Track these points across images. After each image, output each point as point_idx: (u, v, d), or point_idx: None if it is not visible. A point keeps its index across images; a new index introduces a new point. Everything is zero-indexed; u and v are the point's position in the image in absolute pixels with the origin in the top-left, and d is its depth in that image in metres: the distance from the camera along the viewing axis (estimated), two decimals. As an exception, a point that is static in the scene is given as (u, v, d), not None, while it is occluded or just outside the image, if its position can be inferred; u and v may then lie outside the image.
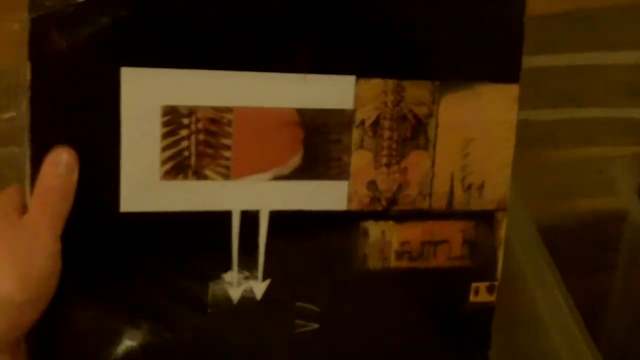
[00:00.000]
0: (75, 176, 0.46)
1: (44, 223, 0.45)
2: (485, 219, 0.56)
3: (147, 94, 0.48)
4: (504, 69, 0.54)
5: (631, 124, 0.76)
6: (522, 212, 0.61)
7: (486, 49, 0.54)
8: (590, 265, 0.67)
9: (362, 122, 0.52)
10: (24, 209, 0.46)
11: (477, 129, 0.54)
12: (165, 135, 0.49)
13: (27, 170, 0.47)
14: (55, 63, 0.47)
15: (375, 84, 0.52)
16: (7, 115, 0.47)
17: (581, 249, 0.68)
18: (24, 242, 0.44)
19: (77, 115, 0.47)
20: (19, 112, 0.45)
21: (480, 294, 0.57)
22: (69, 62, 0.47)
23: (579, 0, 0.68)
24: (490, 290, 0.57)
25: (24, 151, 0.46)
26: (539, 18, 0.53)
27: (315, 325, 0.54)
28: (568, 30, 0.68)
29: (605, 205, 0.76)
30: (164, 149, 0.49)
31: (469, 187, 0.55)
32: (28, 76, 0.46)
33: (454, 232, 0.55)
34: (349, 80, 0.51)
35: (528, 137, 0.56)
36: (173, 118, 0.49)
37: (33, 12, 0.46)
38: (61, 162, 0.46)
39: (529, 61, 0.54)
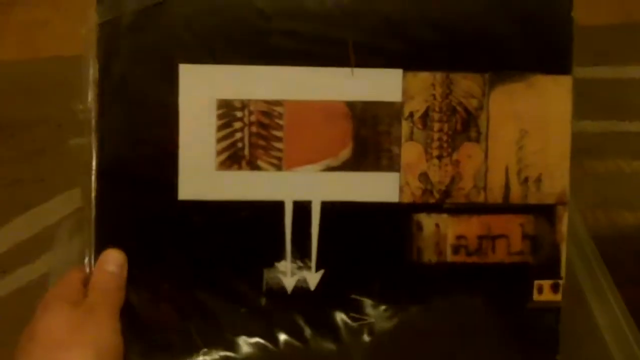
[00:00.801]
0: (125, 271, 0.51)
1: (105, 308, 0.49)
2: (545, 213, 0.55)
3: (203, 88, 0.51)
4: (555, 59, 0.54)
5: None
6: (578, 222, 0.60)
7: (536, 40, 0.54)
8: (632, 277, 0.64)
9: (411, 115, 0.53)
10: (85, 285, 0.50)
11: (531, 121, 0.54)
12: (220, 128, 0.52)
13: (94, 158, 0.51)
14: (119, 62, 0.51)
15: (423, 77, 0.53)
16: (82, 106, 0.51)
17: (622, 260, 0.65)
18: (91, 321, 0.47)
19: (140, 109, 0.51)
20: (85, 105, 0.49)
21: (544, 292, 0.55)
22: (133, 61, 0.51)
23: (626, 12, 0.67)
24: (554, 288, 0.55)
25: (90, 141, 0.50)
26: (587, 29, 0.53)
27: (371, 319, 0.53)
28: (616, 42, 0.67)
29: None
30: (219, 140, 0.52)
31: (526, 180, 0.54)
32: (96, 73, 0.50)
33: (512, 226, 0.54)
34: (396, 74, 0.53)
35: (573, 147, 0.55)
36: (227, 111, 0.52)
37: (101, 16, 0.50)
38: (112, 260, 0.50)
39: (576, 72, 0.54)
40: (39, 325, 0.47)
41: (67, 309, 0.47)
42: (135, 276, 0.51)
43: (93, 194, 0.51)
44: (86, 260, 0.50)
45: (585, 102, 0.55)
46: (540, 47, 0.54)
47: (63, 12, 0.56)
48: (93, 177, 0.51)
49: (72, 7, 0.49)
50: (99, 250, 0.51)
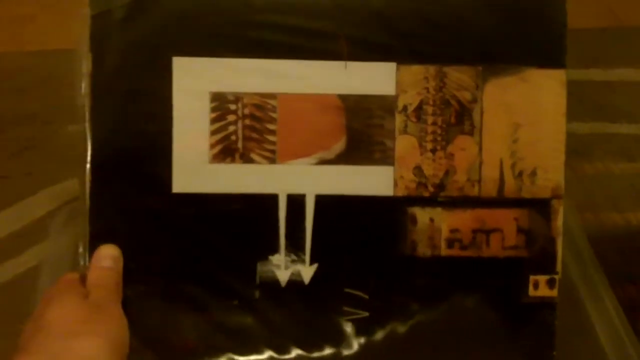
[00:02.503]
0: (121, 266, 0.51)
1: (111, 304, 0.49)
2: (540, 207, 0.54)
3: (196, 81, 0.52)
4: (548, 53, 0.54)
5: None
6: (572, 220, 0.60)
7: (529, 33, 0.54)
8: (619, 277, 0.64)
9: (405, 108, 0.53)
10: (83, 284, 0.50)
11: (525, 115, 0.54)
12: (213, 120, 0.52)
13: (88, 150, 0.51)
14: (113, 54, 0.51)
15: (416, 70, 0.53)
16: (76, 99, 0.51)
17: (610, 260, 0.65)
18: (101, 315, 0.47)
19: (133, 102, 0.51)
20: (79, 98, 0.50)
21: (540, 287, 0.55)
22: (125, 53, 0.51)
23: (616, 17, 0.68)
24: (550, 284, 0.55)
25: (84, 130, 0.50)
26: (578, 32, 0.53)
27: (365, 314, 0.53)
28: (605, 45, 0.68)
29: (636, 219, 0.74)
30: (213, 133, 0.52)
31: (520, 173, 0.54)
32: (89, 66, 0.51)
33: (506, 220, 0.54)
34: (389, 67, 0.53)
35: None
36: (221, 104, 0.52)
37: (94, 9, 0.51)
38: (107, 256, 0.51)
39: (567, 74, 0.54)
40: (49, 316, 0.46)
41: (77, 301, 0.47)
42: (128, 269, 0.51)
43: (87, 186, 0.51)
44: (80, 251, 0.50)
45: (576, 103, 0.55)
46: (533, 41, 0.54)
47: (48, 7, 0.57)
48: (87, 170, 0.51)
49: (57, 3, 0.49)
50: (93, 242, 0.51)
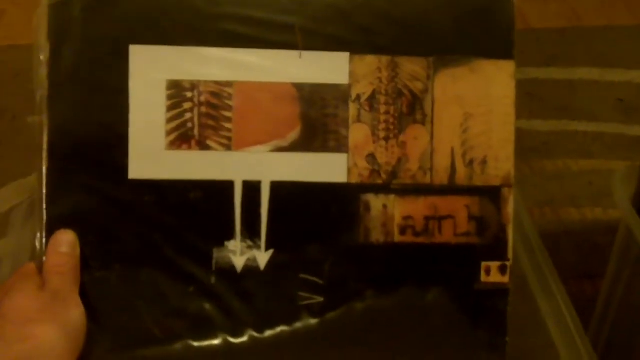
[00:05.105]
0: (78, 251, 0.51)
1: (68, 291, 0.50)
2: (491, 194, 0.56)
3: (152, 69, 0.52)
4: (497, 45, 0.56)
5: (622, 140, 0.77)
6: (526, 218, 0.61)
7: (479, 26, 0.56)
8: (576, 272, 0.66)
9: (358, 97, 0.55)
10: (40, 272, 0.50)
11: (476, 105, 0.56)
12: (170, 108, 0.53)
13: (44, 137, 0.51)
14: (71, 44, 0.52)
15: (369, 61, 0.55)
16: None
17: (568, 256, 0.67)
18: (58, 303, 0.48)
19: (91, 90, 0.52)
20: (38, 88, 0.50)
21: (492, 274, 0.56)
22: (84, 43, 0.52)
23: (577, 17, 0.70)
24: (502, 270, 0.56)
25: (42, 121, 0.50)
26: (539, 31, 0.55)
27: (320, 299, 0.54)
28: (566, 45, 0.70)
29: (593, 216, 0.76)
30: (169, 120, 0.53)
31: (471, 162, 0.56)
32: (47, 54, 0.51)
33: (458, 207, 0.56)
34: (343, 57, 0.54)
35: (522, 146, 0.57)
36: (177, 91, 0.53)
37: (52, -2, 0.52)
38: (64, 242, 0.51)
39: (527, 72, 0.56)
40: (7, 305, 0.47)
41: (34, 290, 0.48)
42: (85, 255, 0.51)
43: (44, 174, 0.51)
44: (37, 236, 0.51)
45: (537, 102, 0.57)
46: (482, 33, 0.56)
47: (18, 2, 0.57)
48: (44, 157, 0.51)
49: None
50: (50, 229, 0.51)
